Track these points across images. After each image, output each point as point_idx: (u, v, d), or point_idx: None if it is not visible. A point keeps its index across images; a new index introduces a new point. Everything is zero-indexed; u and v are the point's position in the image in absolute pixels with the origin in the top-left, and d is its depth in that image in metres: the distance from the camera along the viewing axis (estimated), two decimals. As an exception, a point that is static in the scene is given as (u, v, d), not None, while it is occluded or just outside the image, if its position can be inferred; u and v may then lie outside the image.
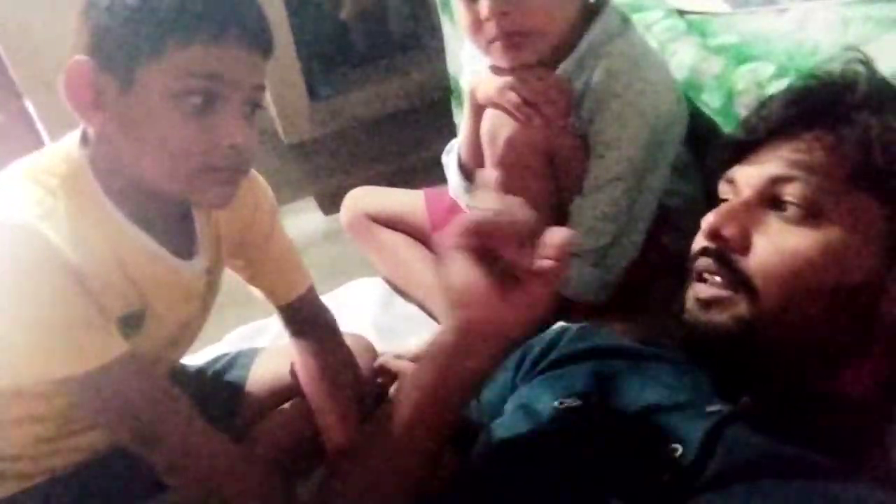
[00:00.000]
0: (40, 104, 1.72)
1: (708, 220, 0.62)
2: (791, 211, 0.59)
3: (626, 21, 1.00)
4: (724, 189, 0.66)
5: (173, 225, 0.81)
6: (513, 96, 0.94)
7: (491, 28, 0.91)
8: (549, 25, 0.93)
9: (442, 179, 1.26)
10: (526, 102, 0.94)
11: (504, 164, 0.98)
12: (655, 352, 0.72)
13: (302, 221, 1.85)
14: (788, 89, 0.68)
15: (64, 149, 0.75)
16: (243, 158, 0.72)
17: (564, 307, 0.99)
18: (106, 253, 0.73)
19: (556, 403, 0.67)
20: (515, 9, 0.89)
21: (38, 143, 1.70)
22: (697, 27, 1.08)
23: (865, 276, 0.58)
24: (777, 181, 0.60)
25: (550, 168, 0.99)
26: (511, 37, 0.91)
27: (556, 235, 0.57)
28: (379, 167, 1.93)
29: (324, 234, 1.77)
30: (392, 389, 1.08)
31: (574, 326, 0.80)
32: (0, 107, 1.74)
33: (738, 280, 0.59)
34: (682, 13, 1.11)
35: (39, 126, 1.73)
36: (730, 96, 0.98)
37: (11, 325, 0.67)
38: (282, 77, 1.95)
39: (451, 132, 1.71)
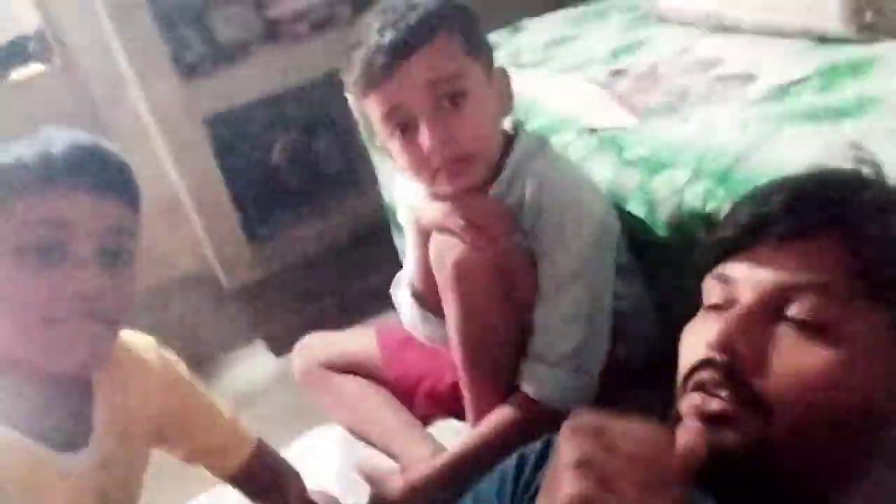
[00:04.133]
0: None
1: (717, 330, 0.55)
2: (803, 324, 0.54)
3: (542, 141, 1.07)
4: (712, 286, 0.60)
5: (60, 414, 0.75)
6: (458, 219, 0.98)
7: (435, 158, 0.96)
8: (486, 147, 1.00)
9: (389, 307, 1.26)
10: (471, 224, 0.98)
11: (456, 287, 1.00)
12: None
13: (253, 367, 1.81)
14: (789, 185, 0.62)
15: None
16: (98, 308, 0.70)
17: (553, 420, 0.97)
18: None
19: None
20: (455, 133, 0.95)
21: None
22: (610, 143, 1.13)
23: (880, 394, 0.53)
24: (787, 289, 0.55)
25: (503, 286, 1.01)
26: (455, 163, 0.97)
27: None
28: (325, 302, 1.93)
29: (277, 377, 1.73)
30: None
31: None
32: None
33: (749, 398, 0.53)
34: (593, 131, 1.17)
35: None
36: (652, 205, 1.03)
37: None
38: (218, 223, 1.97)
39: (393, 259, 1.72)
